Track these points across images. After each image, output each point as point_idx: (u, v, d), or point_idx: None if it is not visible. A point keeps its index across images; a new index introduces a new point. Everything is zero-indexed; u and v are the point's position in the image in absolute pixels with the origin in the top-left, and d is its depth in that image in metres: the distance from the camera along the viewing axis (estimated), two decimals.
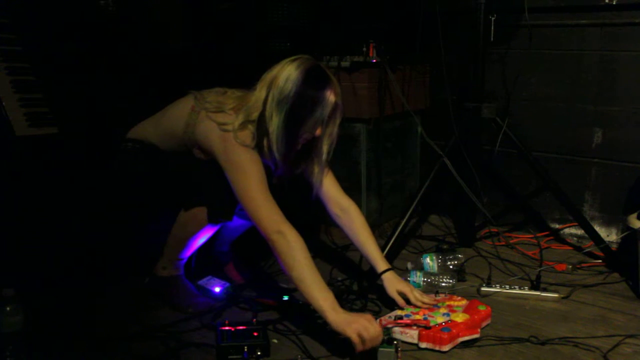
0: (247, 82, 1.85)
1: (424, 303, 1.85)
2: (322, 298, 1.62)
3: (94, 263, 2.10)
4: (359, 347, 1.56)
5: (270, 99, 1.76)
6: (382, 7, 2.85)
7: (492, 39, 2.37)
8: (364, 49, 2.56)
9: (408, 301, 1.88)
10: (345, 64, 2.53)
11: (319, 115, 1.76)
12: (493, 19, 2.36)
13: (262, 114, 1.78)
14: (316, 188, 1.98)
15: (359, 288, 2.10)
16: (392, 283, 1.91)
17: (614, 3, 2.38)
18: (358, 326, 1.57)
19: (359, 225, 1.99)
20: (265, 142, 1.80)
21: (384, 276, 1.93)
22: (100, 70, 2.24)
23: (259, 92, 1.79)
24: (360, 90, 2.54)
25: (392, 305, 1.91)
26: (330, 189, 2.01)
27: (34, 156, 1.99)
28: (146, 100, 2.22)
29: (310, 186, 1.99)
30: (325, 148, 1.90)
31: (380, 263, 1.95)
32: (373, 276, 2.04)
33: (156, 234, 2.08)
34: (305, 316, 1.83)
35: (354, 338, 1.56)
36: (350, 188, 2.63)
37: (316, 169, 1.95)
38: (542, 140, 2.66)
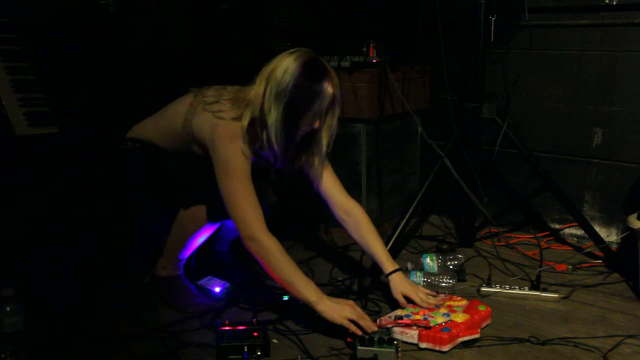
0: (247, 82, 1.84)
1: (429, 304, 1.84)
2: (306, 292, 1.70)
3: (94, 263, 2.10)
4: (352, 328, 1.65)
5: (268, 91, 1.74)
6: (382, 7, 2.85)
7: (492, 39, 2.37)
8: (364, 49, 2.56)
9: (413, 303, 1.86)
10: (345, 64, 2.53)
11: (317, 107, 1.74)
12: (493, 19, 2.36)
13: (261, 108, 1.76)
14: (316, 181, 1.97)
15: (359, 288, 2.09)
16: (397, 286, 1.88)
17: (614, 3, 2.38)
18: (345, 313, 1.67)
19: (364, 227, 1.98)
20: (264, 135, 1.78)
21: (390, 277, 1.90)
22: (101, 70, 2.24)
23: (258, 86, 1.77)
24: (360, 90, 2.54)
25: (397, 306, 1.89)
26: (334, 192, 2.00)
27: (34, 156, 1.99)
28: (146, 100, 2.21)
29: (310, 179, 1.98)
30: (325, 140, 1.88)
31: (387, 264, 1.92)
32: (374, 274, 2.04)
33: (156, 234, 2.08)
34: (305, 316, 1.83)
35: (346, 323, 1.66)
36: (350, 188, 2.61)
37: (316, 161, 1.93)
38: (542, 140, 2.66)
